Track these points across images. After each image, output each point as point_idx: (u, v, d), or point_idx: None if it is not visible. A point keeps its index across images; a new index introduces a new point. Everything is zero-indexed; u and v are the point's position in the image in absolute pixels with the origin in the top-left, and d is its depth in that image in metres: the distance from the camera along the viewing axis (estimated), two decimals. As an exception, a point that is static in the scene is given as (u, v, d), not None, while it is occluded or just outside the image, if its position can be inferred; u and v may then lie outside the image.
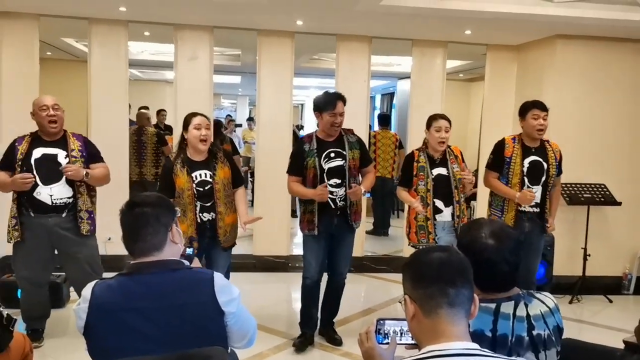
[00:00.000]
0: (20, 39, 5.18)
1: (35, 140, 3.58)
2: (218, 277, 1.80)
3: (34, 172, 3.47)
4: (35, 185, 3.47)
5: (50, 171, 3.50)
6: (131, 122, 6.72)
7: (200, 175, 3.46)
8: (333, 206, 3.71)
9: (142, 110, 6.90)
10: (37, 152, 3.53)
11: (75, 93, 6.00)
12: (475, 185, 6.44)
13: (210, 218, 3.48)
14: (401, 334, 1.60)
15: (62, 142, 3.59)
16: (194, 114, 3.50)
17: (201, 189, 3.44)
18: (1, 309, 2.29)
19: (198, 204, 3.44)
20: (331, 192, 3.68)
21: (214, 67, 5.67)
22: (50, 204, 3.50)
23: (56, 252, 3.66)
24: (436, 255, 1.47)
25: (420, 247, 3.85)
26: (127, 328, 1.68)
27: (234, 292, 1.82)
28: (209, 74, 5.59)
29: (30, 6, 4.98)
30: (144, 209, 1.80)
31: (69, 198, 3.54)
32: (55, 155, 3.54)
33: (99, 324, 1.69)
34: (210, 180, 3.46)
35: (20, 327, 3.73)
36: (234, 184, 3.61)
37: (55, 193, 3.50)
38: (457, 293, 1.41)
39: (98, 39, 5.38)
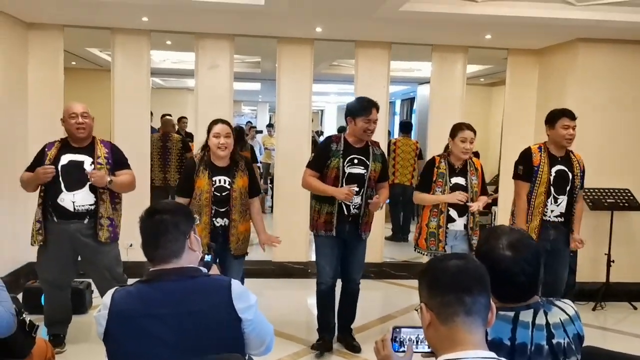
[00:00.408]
0: (45, 49, 5.31)
1: (64, 146, 3.65)
2: (235, 284, 1.82)
3: (60, 179, 3.53)
4: (60, 192, 3.53)
5: (75, 178, 3.56)
6: (153, 130, 6.82)
7: (220, 180, 3.50)
8: (346, 212, 3.72)
9: (168, 117, 6.99)
10: (65, 159, 3.59)
11: (99, 101, 6.11)
12: (496, 191, 6.41)
13: (224, 224, 3.52)
14: (417, 342, 1.59)
15: (89, 149, 3.66)
16: (215, 122, 3.56)
17: (218, 194, 3.49)
18: (24, 315, 2.34)
19: (213, 208, 3.48)
20: None
21: (234, 75, 5.73)
22: (72, 210, 3.56)
23: (79, 258, 3.72)
24: (453, 263, 1.46)
25: (428, 255, 3.85)
26: (146, 334, 1.70)
27: (251, 299, 1.83)
28: (230, 81, 5.65)
29: (55, 17, 5.09)
30: (163, 216, 1.83)
31: (90, 205, 3.59)
32: (82, 162, 3.60)
33: (118, 330, 1.72)
34: (229, 187, 3.51)
35: (43, 333, 3.82)
36: (250, 193, 3.64)
37: (77, 200, 3.56)
38: (474, 301, 1.40)
39: (121, 48, 5.48)
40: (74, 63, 7.46)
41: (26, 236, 5.00)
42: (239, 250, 3.58)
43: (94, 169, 3.57)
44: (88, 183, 3.55)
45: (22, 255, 5.12)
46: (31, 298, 4.35)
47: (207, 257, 2.34)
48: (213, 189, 3.48)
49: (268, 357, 3.50)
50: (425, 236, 3.84)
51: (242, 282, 3.66)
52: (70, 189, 3.55)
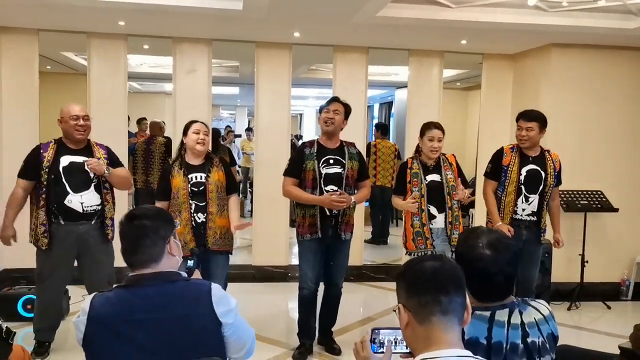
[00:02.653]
0: (20, 53, 5.24)
1: (61, 147, 3.63)
2: (215, 288, 1.82)
3: (63, 181, 3.53)
4: (66, 193, 3.53)
5: (79, 179, 3.56)
6: (130, 134, 6.77)
7: (196, 177, 3.58)
8: (328, 213, 3.73)
9: (156, 120, 6.96)
10: (65, 160, 3.58)
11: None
12: (473, 193, 6.50)
13: (204, 219, 3.55)
14: (396, 343, 1.62)
15: (87, 151, 3.67)
16: (194, 121, 3.68)
17: (195, 189, 3.55)
18: (0, 322, 2.31)
19: (193, 203, 3.53)
20: None
21: (212, 79, 5.72)
22: (81, 211, 3.56)
23: (76, 263, 3.70)
24: (429, 264, 1.49)
25: (418, 254, 3.88)
26: (125, 340, 1.70)
27: (231, 302, 1.83)
28: (208, 85, 5.64)
29: (29, 21, 5.03)
30: (142, 221, 1.83)
31: (97, 205, 3.61)
32: (82, 164, 3.59)
33: (97, 336, 1.71)
34: (204, 181, 3.57)
35: (19, 340, 3.76)
36: (228, 190, 3.69)
37: (85, 201, 3.57)
38: (450, 301, 1.43)
39: (97, 52, 5.43)
40: (49, 67, 7.35)
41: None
42: (216, 244, 3.58)
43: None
44: (93, 184, 3.58)
45: (-4, 262, 5.05)
46: (6, 305, 4.29)
47: (190, 263, 2.34)
48: (190, 185, 3.54)
49: (248, 361, 3.51)
50: (412, 237, 3.87)
51: (226, 284, 3.66)
52: (76, 190, 3.56)
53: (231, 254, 3.74)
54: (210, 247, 3.56)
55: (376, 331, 1.65)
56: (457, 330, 1.44)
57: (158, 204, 3.55)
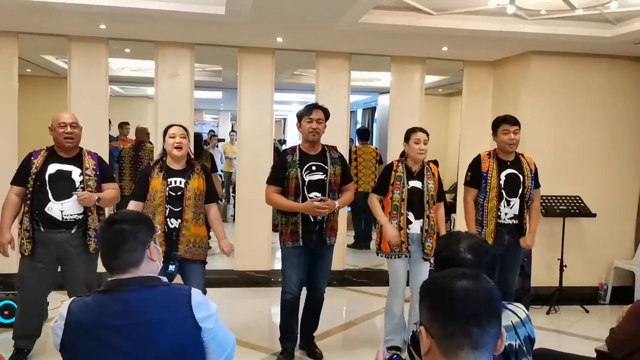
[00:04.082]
0: (-1, 56, 5.17)
1: (51, 155, 3.63)
2: (195, 292, 1.82)
3: (47, 187, 3.51)
4: (47, 201, 3.51)
5: (62, 187, 3.54)
6: (111, 138, 6.72)
7: (175, 181, 3.56)
8: (312, 220, 3.74)
9: (142, 126, 6.91)
10: (52, 168, 3.57)
11: (55, 110, 5.91)
12: (455, 199, 6.56)
13: (177, 226, 3.52)
14: None
15: (77, 160, 3.65)
16: (171, 125, 3.66)
17: (173, 194, 3.53)
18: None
19: (168, 207, 3.51)
20: None
21: (195, 83, 5.70)
22: (60, 219, 3.53)
23: (59, 269, 3.67)
24: (461, 284, 1.26)
25: (392, 257, 3.89)
26: (104, 345, 1.68)
27: (211, 308, 1.83)
28: (190, 90, 5.62)
29: (8, 24, 4.97)
30: (122, 225, 1.82)
31: (79, 214, 3.58)
32: (70, 172, 3.59)
33: (75, 341, 1.69)
34: (183, 187, 3.55)
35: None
36: (207, 198, 3.67)
37: (66, 209, 3.54)
38: (482, 333, 1.22)
39: (78, 56, 5.39)
40: (28, 70, 7.27)
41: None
42: (189, 253, 3.54)
43: (82, 180, 3.58)
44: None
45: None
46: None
47: (171, 267, 2.33)
48: (168, 189, 3.52)
49: (229, 367, 3.49)
50: (388, 239, 3.90)
51: (204, 292, 3.63)
52: (58, 198, 3.53)
53: (206, 262, 3.70)
54: (182, 255, 3.51)
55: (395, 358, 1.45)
56: None
57: (132, 204, 3.55)
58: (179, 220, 3.52)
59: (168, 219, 3.50)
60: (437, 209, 4.00)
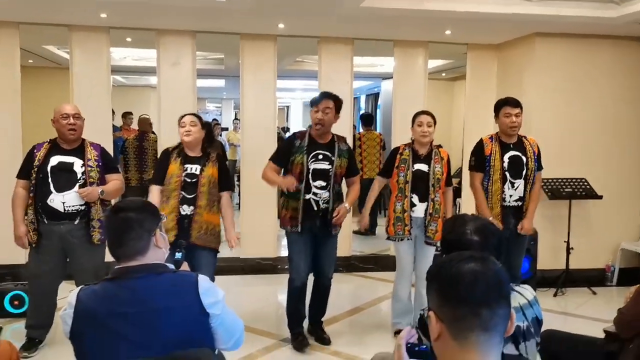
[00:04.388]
0: (0, 47, 5.15)
1: (54, 147, 3.64)
2: (202, 279, 1.82)
3: (49, 180, 3.53)
4: (49, 193, 3.53)
5: (64, 179, 3.55)
6: (115, 128, 6.71)
7: (192, 168, 3.59)
8: (315, 207, 3.74)
9: (144, 116, 6.91)
10: (54, 160, 3.58)
11: (57, 100, 5.92)
12: (460, 183, 6.54)
13: (190, 212, 3.53)
14: None
15: (79, 151, 3.66)
16: (183, 115, 3.68)
17: (188, 180, 3.55)
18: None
19: (182, 194, 3.52)
20: (315, 194, 3.72)
21: (197, 72, 5.68)
22: (62, 211, 3.54)
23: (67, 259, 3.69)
24: (469, 267, 1.25)
25: (395, 240, 3.90)
26: (112, 332, 1.69)
27: (218, 294, 1.83)
28: (192, 78, 5.60)
29: (9, 14, 4.95)
30: (127, 213, 1.82)
31: (81, 206, 3.58)
32: (72, 164, 3.59)
33: (84, 329, 1.70)
34: (198, 174, 3.57)
35: (7, 335, 3.74)
36: (221, 187, 3.66)
37: (67, 200, 3.55)
38: (492, 315, 1.21)
39: (79, 45, 5.37)
40: (31, 61, 7.26)
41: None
42: (200, 239, 3.54)
43: (84, 171, 3.59)
44: (78, 184, 3.56)
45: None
46: (-7, 302, 4.26)
47: (178, 255, 2.34)
48: (184, 175, 3.54)
49: (239, 352, 3.52)
50: (393, 221, 3.91)
51: (213, 279, 3.63)
52: (60, 190, 3.54)
53: (218, 252, 3.71)
54: (194, 241, 3.51)
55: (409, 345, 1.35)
56: (496, 351, 1.24)
57: (155, 189, 3.58)
58: (192, 207, 3.53)
59: (180, 206, 3.51)
60: (445, 192, 3.99)
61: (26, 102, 5.33)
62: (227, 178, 3.79)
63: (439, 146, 4.10)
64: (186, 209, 3.53)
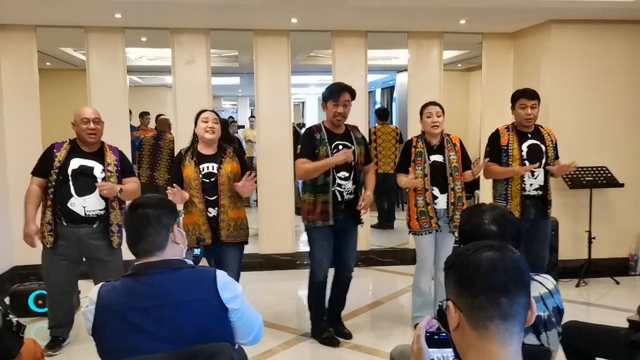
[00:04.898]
0: (18, 50, 5.23)
1: (74, 149, 3.65)
2: (220, 274, 1.83)
3: (70, 183, 3.55)
4: (70, 196, 3.55)
5: (85, 183, 3.57)
6: (132, 128, 6.78)
7: (208, 167, 3.52)
8: (340, 199, 3.72)
9: (163, 117, 6.99)
10: (75, 163, 3.60)
11: (76, 102, 6.02)
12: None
13: (215, 214, 3.50)
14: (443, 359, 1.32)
15: (99, 155, 3.67)
16: (203, 110, 3.62)
17: (207, 181, 3.48)
18: (11, 316, 2.34)
19: (204, 197, 3.47)
20: (339, 185, 3.71)
21: (212, 69, 5.70)
22: (83, 215, 3.57)
23: (84, 259, 3.73)
24: (487, 255, 1.23)
25: (424, 233, 3.88)
26: (132, 328, 1.71)
27: (237, 288, 1.85)
28: (207, 76, 5.62)
29: (26, 17, 5.02)
30: (145, 210, 1.84)
31: (101, 210, 3.61)
32: (92, 169, 3.61)
33: (105, 324, 1.73)
34: (216, 172, 3.51)
35: (32, 334, 3.80)
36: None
37: (88, 205, 3.58)
38: (511, 303, 1.19)
39: (95, 46, 5.42)
40: (48, 64, 7.35)
41: (9, 241, 4.98)
42: (230, 237, 3.53)
43: (104, 177, 3.61)
44: (97, 189, 3.58)
45: (5, 260, 5.08)
46: (18, 302, 4.34)
47: (196, 251, 2.35)
48: (201, 176, 3.48)
49: (258, 347, 3.55)
50: (416, 216, 3.89)
51: (239, 273, 3.63)
52: (80, 194, 3.57)
53: (247, 243, 3.69)
54: (225, 240, 3.51)
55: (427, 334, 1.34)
56: (517, 340, 1.21)
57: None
58: (216, 208, 3.49)
59: (206, 209, 3.47)
60: (464, 177, 3.95)
61: (45, 105, 5.40)
62: (247, 169, 3.66)
63: (448, 135, 4.05)
64: (212, 211, 3.49)
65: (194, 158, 3.52)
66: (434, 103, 3.95)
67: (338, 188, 3.71)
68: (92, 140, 3.62)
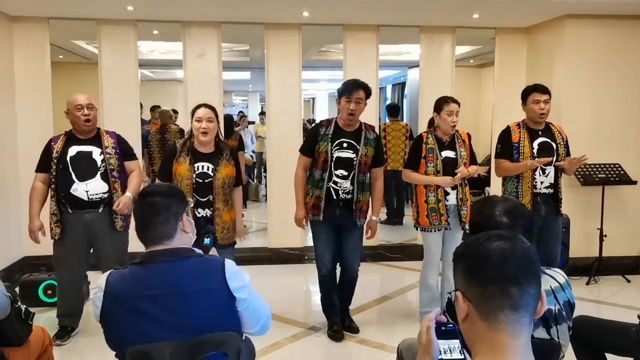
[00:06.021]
0: (31, 42, 5.26)
1: (70, 138, 3.69)
2: (229, 263, 1.83)
3: (70, 170, 3.58)
4: (72, 182, 3.58)
5: (85, 168, 3.61)
6: (143, 122, 6.80)
7: (203, 167, 3.41)
8: (335, 197, 3.70)
9: (165, 109, 7.01)
10: (72, 150, 3.63)
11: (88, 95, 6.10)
12: (489, 172, 6.43)
13: (205, 215, 3.42)
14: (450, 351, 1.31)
15: (96, 140, 3.70)
16: (199, 106, 3.49)
17: (200, 181, 3.39)
18: (19, 304, 2.35)
19: (195, 197, 3.36)
20: (335, 182, 3.69)
21: (223, 64, 5.70)
22: (86, 199, 3.60)
23: (92, 250, 3.77)
24: (497, 245, 1.21)
25: (434, 230, 3.85)
26: (140, 315, 1.72)
27: (245, 278, 1.84)
28: (218, 70, 5.62)
29: (39, 10, 5.05)
30: (154, 198, 1.84)
31: (104, 193, 3.64)
32: (90, 153, 3.64)
33: (113, 311, 1.73)
34: (212, 174, 3.42)
35: (41, 323, 3.83)
36: (236, 183, 3.58)
37: (91, 189, 3.60)
38: (521, 293, 1.17)
39: (107, 39, 5.44)
40: (61, 57, 7.38)
41: (19, 232, 5.02)
42: (225, 239, 3.51)
43: (103, 158, 3.63)
44: (99, 172, 3.61)
45: (16, 251, 5.13)
46: (28, 291, 4.38)
47: (206, 241, 2.35)
48: (194, 176, 3.38)
49: (266, 339, 3.55)
50: (426, 212, 3.86)
51: None
52: (82, 178, 3.60)
53: (235, 243, 3.65)
54: (220, 242, 3.49)
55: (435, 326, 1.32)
56: (527, 332, 1.19)
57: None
58: (207, 210, 3.42)
59: (195, 209, 3.38)
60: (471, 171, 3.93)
61: (57, 98, 5.42)
62: (239, 173, 3.64)
63: (456, 130, 4.01)
64: (201, 212, 3.41)
65: (189, 155, 3.41)
66: (455, 100, 3.85)
67: (334, 185, 3.69)
68: (87, 126, 3.62)
